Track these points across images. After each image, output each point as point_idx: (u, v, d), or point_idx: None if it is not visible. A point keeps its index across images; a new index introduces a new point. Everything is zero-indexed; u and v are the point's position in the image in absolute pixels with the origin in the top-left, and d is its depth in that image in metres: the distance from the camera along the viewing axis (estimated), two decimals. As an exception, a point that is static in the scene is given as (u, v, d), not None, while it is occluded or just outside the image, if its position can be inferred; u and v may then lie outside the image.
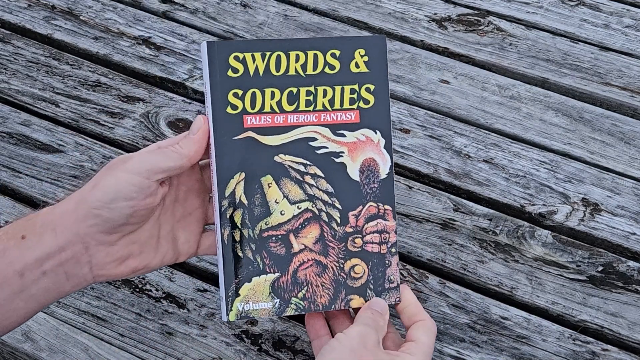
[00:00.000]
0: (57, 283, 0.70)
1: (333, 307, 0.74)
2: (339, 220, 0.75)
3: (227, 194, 0.73)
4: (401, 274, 0.96)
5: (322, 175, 0.75)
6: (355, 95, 0.75)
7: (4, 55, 1.28)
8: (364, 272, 0.75)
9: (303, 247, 0.74)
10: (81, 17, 1.36)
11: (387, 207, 0.76)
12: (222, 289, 0.73)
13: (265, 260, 0.73)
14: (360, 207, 0.75)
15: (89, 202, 0.69)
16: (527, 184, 1.09)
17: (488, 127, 1.18)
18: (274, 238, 0.74)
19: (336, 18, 1.38)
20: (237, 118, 0.73)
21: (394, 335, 0.76)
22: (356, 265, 0.75)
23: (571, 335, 0.92)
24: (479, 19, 1.39)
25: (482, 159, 1.13)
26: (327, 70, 0.75)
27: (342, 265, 0.75)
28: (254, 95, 0.73)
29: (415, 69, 1.28)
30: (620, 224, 1.04)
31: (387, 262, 0.76)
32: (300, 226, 0.74)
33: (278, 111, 0.74)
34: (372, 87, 0.76)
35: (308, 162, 0.74)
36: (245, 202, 0.73)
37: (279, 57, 0.74)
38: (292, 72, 0.74)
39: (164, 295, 0.94)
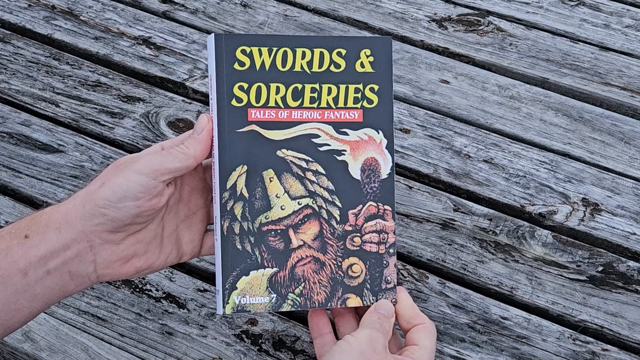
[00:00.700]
0: (61, 282, 0.70)
1: (329, 304, 0.74)
2: (338, 218, 0.75)
3: (228, 186, 0.73)
4: (401, 274, 0.96)
5: (324, 172, 0.75)
6: (359, 95, 0.75)
7: (4, 55, 1.28)
8: (362, 271, 0.75)
9: (302, 243, 0.74)
10: (81, 17, 1.36)
11: (387, 207, 0.76)
12: (219, 281, 0.72)
13: (263, 254, 0.73)
14: (360, 206, 0.75)
15: (96, 201, 0.69)
16: (527, 184, 1.09)
17: (488, 127, 1.18)
18: (273, 232, 0.74)
19: (336, 18, 1.38)
20: (242, 111, 0.73)
21: (394, 337, 0.76)
22: (354, 264, 0.75)
23: (571, 335, 0.92)
24: (479, 19, 1.39)
25: (482, 159, 1.13)
26: (332, 68, 0.75)
27: (340, 264, 0.75)
28: (259, 89, 0.73)
29: (415, 69, 1.28)
30: (620, 224, 1.04)
31: (384, 262, 0.76)
32: (300, 222, 0.74)
33: (282, 106, 0.74)
34: (376, 87, 0.76)
35: (310, 159, 0.74)
36: (246, 195, 0.73)
37: (285, 52, 0.74)
38: (297, 68, 0.74)
39: (164, 295, 0.94)
